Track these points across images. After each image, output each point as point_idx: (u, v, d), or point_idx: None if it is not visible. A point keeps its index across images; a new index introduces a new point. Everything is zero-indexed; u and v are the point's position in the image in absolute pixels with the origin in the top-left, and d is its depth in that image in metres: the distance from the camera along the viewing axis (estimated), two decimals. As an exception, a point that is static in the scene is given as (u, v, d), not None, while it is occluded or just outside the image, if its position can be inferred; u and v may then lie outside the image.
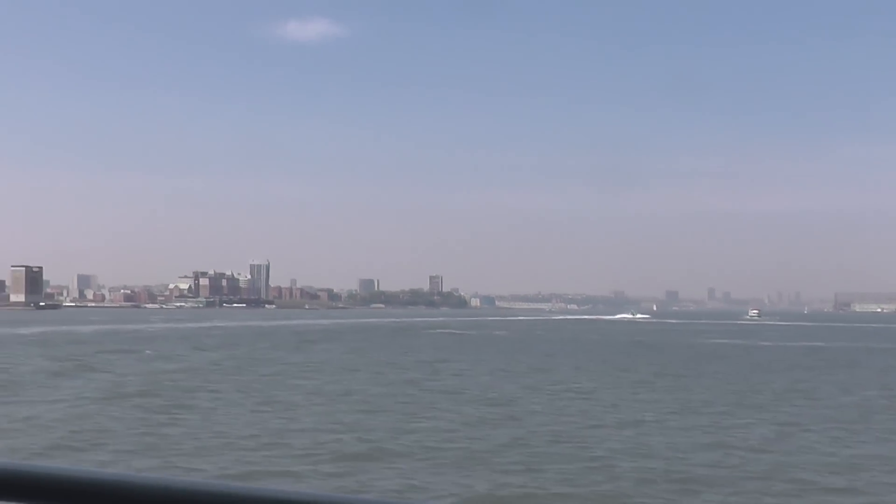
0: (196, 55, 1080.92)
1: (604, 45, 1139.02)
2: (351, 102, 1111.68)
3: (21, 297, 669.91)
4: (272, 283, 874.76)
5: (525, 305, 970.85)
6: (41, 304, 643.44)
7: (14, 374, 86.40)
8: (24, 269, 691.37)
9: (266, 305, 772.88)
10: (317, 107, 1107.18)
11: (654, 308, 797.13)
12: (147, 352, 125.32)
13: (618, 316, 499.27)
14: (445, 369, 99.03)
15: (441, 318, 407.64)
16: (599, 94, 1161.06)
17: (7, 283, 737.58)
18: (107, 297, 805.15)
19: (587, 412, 61.24)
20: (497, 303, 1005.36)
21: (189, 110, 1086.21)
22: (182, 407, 61.96)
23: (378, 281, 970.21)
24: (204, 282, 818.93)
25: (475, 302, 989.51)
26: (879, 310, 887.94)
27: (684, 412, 61.26)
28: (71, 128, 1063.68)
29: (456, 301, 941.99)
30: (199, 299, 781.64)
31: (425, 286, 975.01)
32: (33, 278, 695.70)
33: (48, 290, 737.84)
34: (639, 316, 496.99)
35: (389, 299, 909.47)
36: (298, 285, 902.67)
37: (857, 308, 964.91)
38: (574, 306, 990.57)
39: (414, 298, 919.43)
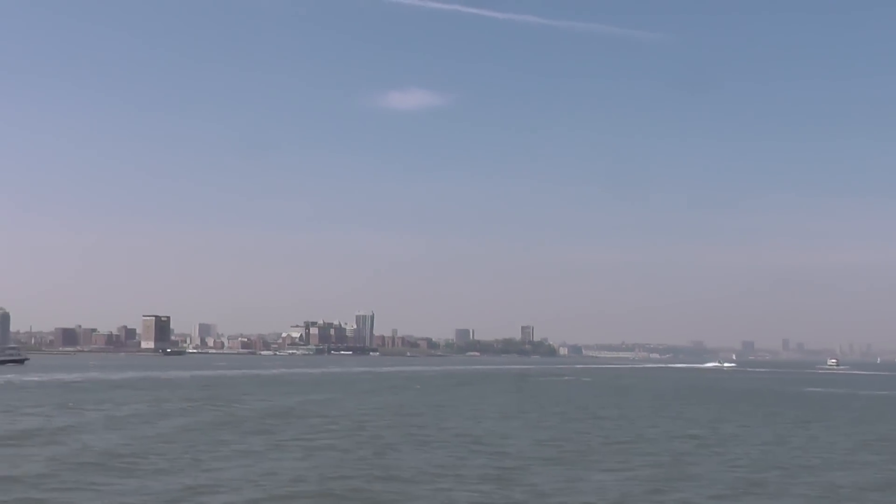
0: (310, 122, 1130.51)
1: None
2: (447, 164, 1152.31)
3: (150, 344, 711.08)
4: (376, 332, 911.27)
5: (610, 354, 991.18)
6: (168, 350, 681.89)
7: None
8: (153, 318, 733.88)
9: (371, 353, 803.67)
10: (416, 168, 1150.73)
11: (734, 357, 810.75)
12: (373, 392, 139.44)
13: (707, 365, 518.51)
14: (691, 419, 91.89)
15: (546, 366, 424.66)
16: (679, 152, 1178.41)
17: (138, 331, 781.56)
18: (225, 344, 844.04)
19: (815, 450, 65.17)
20: (584, 351, 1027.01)
21: (302, 171, 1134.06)
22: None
23: (473, 330, 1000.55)
24: (314, 331, 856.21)
25: (563, 350, 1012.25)
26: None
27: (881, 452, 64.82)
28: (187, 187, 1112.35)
29: (546, 350, 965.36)
30: (309, 347, 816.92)
31: (516, 335, 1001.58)
32: (162, 327, 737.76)
33: (172, 338, 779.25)
34: (726, 365, 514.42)
35: (484, 348, 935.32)
36: (399, 334, 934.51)
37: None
38: (656, 355, 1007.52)
39: (506, 347, 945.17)
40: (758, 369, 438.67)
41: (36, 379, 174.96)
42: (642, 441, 68.38)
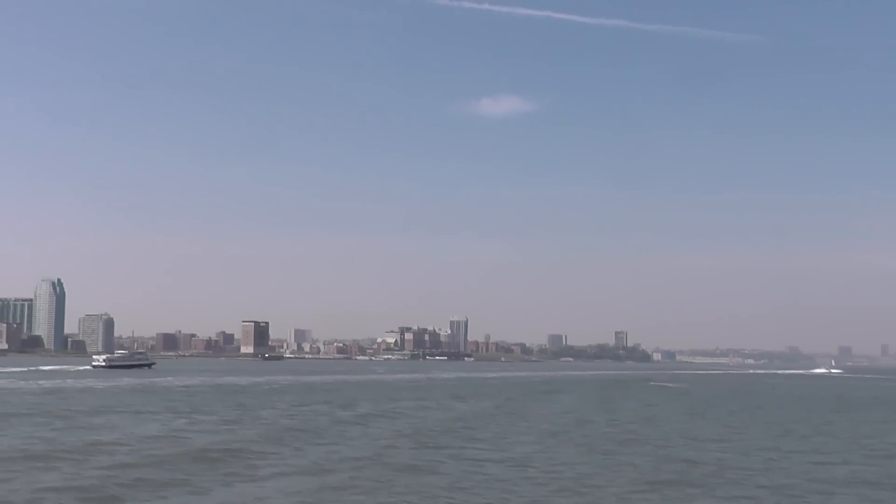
0: (404, 129, 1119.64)
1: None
2: (538, 169, 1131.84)
3: (250, 349, 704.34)
4: (469, 338, 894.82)
5: (703, 360, 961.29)
6: (266, 355, 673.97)
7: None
8: (252, 324, 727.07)
9: (465, 358, 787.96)
10: (508, 174, 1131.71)
11: (833, 363, 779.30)
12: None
13: (816, 371, 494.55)
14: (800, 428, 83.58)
15: (643, 372, 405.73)
16: (779, 156, 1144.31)
17: (236, 337, 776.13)
18: (321, 349, 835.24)
19: None
20: (677, 357, 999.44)
21: (396, 177, 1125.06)
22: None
23: (565, 336, 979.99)
24: (408, 336, 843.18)
25: (657, 356, 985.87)
26: None
27: None
28: (277, 196, 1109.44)
29: (639, 355, 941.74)
30: (404, 352, 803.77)
31: (609, 341, 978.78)
32: (260, 332, 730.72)
33: (269, 343, 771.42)
34: (833, 371, 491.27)
35: (577, 353, 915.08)
36: (492, 340, 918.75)
37: None
38: (751, 361, 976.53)
39: (600, 352, 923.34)
40: (868, 375, 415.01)
41: (198, 382, 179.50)
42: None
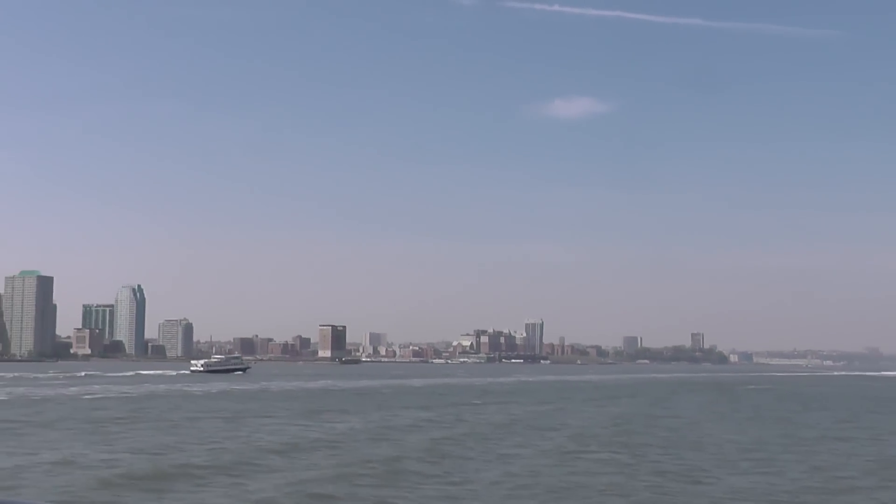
0: (475, 133, 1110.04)
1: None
2: (612, 170, 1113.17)
3: (327, 353, 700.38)
4: (545, 341, 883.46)
5: (781, 361, 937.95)
6: (344, 359, 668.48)
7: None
8: (330, 327, 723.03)
9: (542, 361, 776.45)
10: (582, 175, 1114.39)
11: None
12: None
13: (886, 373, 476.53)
14: None
15: (729, 375, 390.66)
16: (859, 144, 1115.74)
17: (313, 341, 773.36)
18: (397, 352, 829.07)
19: None
20: (754, 359, 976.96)
21: (469, 181, 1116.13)
22: None
23: (640, 338, 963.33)
24: (484, 339, 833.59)
25: (734, 358, 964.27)
26: None
27: None
28: (349, 197, 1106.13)
29: (716, 357, 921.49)
30: (480, 355, 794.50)
31: (685, 343, 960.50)
32: (338, 336, 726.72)
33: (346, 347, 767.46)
34: None
35: (653, 356, 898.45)
36: (567, 342, 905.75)
37: None
38: (829, 362, 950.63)
39: (676, 355, 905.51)
40: None
41: (321, 386, 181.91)
42: None
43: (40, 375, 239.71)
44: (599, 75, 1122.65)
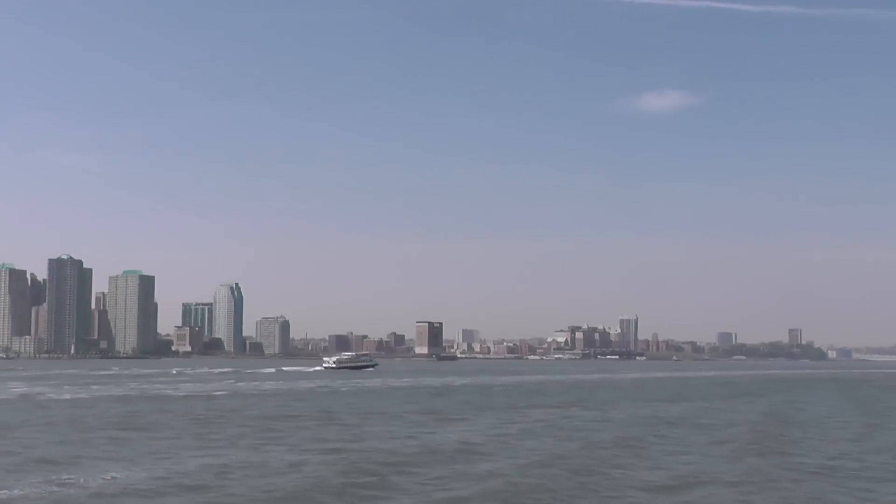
0: (565, 128, 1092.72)
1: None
2: (704, 164, 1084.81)
3: (424, 350, 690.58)
4: (639, 337, 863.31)
5: (881, 357, 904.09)
6: (441, 355, 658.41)
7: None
8: (426, 324, 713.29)
9: (637, 357, 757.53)
10: (673, 169, 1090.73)
11: None
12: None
13: None
14: None
15: (837, 371, 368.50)
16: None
17: (408, 338, 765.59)
18: (491, 349, 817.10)
19: None
20: (853, 355, 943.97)
21: (557, 177, 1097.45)
22: None
23: (735, 334, 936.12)
24: (578, 335, 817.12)
25: (832, 354, 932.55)
26: None
27: None
28: (439, 199, 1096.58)
29: (815, 354, 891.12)
30: (574, 351, 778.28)
31: (782, 338, 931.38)
32: (434, 333, 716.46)
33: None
34: None
35: (749, 352, 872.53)
36: (660, 338, 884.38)
37: None
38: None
39: (773, 351, 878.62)
40: None
41: (465, 382, 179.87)
42: None
43: (188, 371, 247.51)
44: (689, 67, 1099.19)
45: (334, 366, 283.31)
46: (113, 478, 41.56)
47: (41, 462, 47.04)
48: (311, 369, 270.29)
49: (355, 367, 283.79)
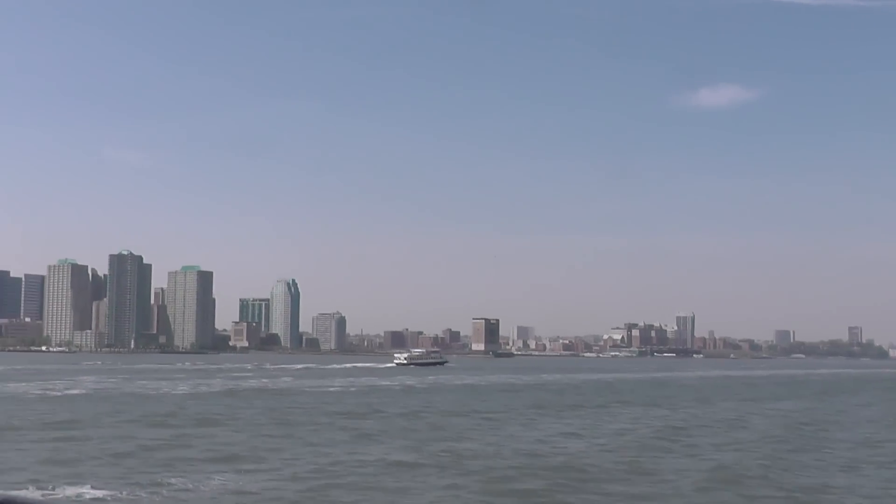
0: (620, 124, 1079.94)
1: None
2: (761, 159, 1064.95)
3: (481, 346, 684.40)
4: (696, 335, 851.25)
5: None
6: (498, 352, 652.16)
7: None
8: (483, 321, 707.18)
9: (694, 355, 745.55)
10: (730, 165, 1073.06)
11: None
12: None
13: None
14: None
15: None
16: None
17: (462, 334, 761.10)
18: (547, 346, 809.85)
19: None
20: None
21: (613, 173, 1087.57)
22: None
23: (793, 332, 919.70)
24: (635, 333, 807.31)
25: (893, 353, 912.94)
26: None
27: None
28: (492, 193, 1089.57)
29: (875, 352, 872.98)
30: (631, 349, 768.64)
31: (841, 336, 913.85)
32: (491, 329, 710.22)
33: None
34: None
35: (807, 350, 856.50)
36: (716, 336, 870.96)
37: None
38: None
39: (833, 349, 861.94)
40: None
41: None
42: None
43: (269, 367, 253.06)
44: (747, 61, 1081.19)
45: (405, 362, 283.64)
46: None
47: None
48: (383, 366, 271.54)
49: (427, 363, 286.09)
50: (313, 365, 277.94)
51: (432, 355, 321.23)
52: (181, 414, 79.22)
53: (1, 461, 47.03)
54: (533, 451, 55.19)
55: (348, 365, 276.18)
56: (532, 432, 66.30)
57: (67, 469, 44.57)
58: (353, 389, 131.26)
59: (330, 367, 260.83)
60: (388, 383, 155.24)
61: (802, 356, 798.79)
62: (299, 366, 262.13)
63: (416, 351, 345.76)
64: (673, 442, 60.50)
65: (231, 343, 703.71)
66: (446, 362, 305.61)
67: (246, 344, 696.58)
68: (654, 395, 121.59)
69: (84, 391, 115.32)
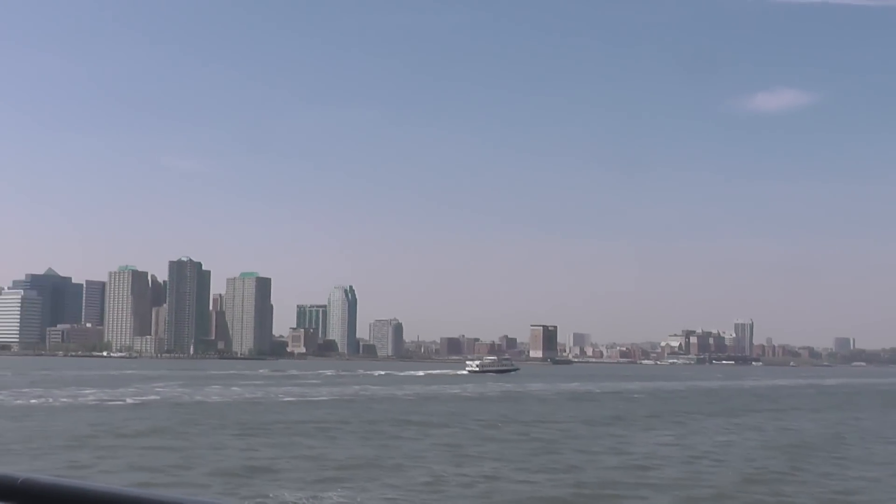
0: (676, 130, 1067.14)
1: None
2: (820, 164, 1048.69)
3: (538, 353, 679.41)
4: (754, 342, 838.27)
5: None
6: (556, 359, 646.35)
7: None
8: (541, 328, 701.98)
9: (753, 363, 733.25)
10: (788, 170, 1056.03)
11: None
12: None
13: None
14: None
15: None
16: None
17: (519, 341, 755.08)
18: (604, 353, 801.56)
19: None
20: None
21: (673, 178, 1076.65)
22: None
23: (854, 339, 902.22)
24: (693, 340, 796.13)
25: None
26: None
27: None
28: (549, 200, 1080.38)
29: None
30: (689, 356, 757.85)
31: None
32: (549, 336, 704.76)
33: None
34: None
35: (868, 357, 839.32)
36: (775, 343, 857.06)
37: None
38: None
39: (894, 357, 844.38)
40: None
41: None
42: None
43: (345, 373, 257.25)
44: (805, 65, 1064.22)
45: (477, 369, 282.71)
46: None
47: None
48: (457, 373, 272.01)
49: (499, 370, 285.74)
50: (383, 372, 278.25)
51: (503, 362, 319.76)
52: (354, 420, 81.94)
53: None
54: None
55: (421, 372, 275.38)
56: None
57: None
58: (465, 395, 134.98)
59: (405, 373, 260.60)
60: (483, 390, 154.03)
61: (863, 364, 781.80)
62: (381, 372, 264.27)
63: (489, 358, 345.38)
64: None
65: (288, 349, 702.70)
66: (518, 370, 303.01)
67: (303, 350, 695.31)
68: (792, 403, 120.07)
69: (225, 398, 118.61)
